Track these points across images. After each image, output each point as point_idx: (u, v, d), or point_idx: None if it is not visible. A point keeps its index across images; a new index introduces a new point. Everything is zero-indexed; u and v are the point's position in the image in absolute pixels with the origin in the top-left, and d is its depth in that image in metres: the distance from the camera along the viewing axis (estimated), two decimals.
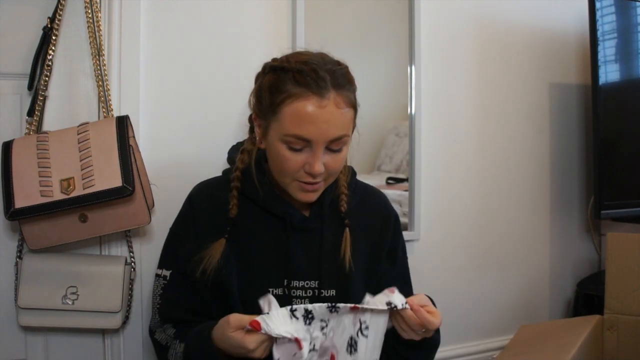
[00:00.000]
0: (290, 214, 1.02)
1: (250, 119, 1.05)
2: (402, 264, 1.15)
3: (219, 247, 0.99)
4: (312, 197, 0.98)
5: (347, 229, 1.04)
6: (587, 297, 1.71)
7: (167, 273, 1.05)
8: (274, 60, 0.97)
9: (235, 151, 1.10)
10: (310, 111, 0.89)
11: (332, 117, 0.90)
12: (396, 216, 1.15)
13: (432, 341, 0.96)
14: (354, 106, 0.96)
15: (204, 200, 1.05)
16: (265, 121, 0.95)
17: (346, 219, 1.04)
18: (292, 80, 0.91)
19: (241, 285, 1.00)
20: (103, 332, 1.23)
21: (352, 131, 0.98)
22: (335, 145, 0.93)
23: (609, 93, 1.67)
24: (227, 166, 1.11)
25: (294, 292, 1.00)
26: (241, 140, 1.13)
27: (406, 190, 1.57)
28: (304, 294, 1.00)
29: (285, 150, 0.93)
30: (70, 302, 1.12)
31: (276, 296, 0.98)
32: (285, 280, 1.00)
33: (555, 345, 1.25)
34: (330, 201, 1.05)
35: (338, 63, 0.96)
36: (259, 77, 1.00)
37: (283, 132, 0.91)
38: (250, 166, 1.02)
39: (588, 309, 1.65)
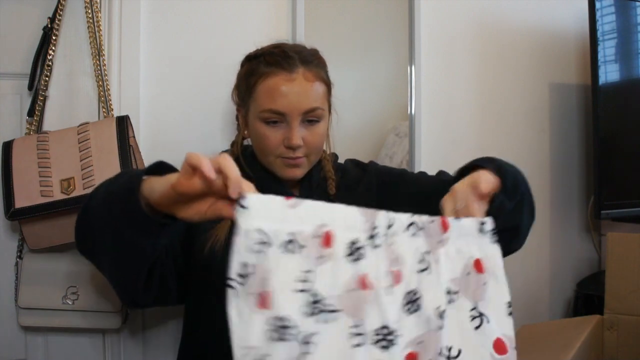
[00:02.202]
0: (283, 193, 1.02)
1: (236, 115, 1.09)
2: (414, 177, 1.12)
3: (224, 227, 0.97)
4: (297, 172, 1.01)
5: None
6: (587, 297, 1.71)
7: None
8: (249, 53, 1.04)
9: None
10: (280, 85, 0.95)
11: (302, 90, 0.96)
12: (375, 167, 1.13)
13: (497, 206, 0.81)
14: (325, 82, 1.01)
15: None
16: (245, 107, 1.01)
17: (336, 202, 1.05)
18: (263, 62, 0.97)
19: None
20: (103, 332, 1.23)
21: (330, 110, 1.03)
22: (310, 117, 0.97)
23: (609, 93, 1.67)
24: None
25: None
26: None
27: None
28: None
29: (263, 127, 0.97)
30: (70, 302, 1.12)
31: None
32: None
33: (555, 345, 1.25)
34: (317, 182, 1.06)
35: (308, 48, 1.02)
36: (238, 72, 1.06)
37: (259, 110, 0.97)
38: (242, 153, 1.05)
39: (588, 309, 1.65)
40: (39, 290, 1.12)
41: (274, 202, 0.62)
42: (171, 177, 0.65)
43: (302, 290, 0.60)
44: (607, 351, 1.35)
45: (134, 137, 1.16)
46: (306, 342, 0.59)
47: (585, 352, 1.25)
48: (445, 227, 0.71)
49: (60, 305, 1.12)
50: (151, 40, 1.27)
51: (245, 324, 0.58)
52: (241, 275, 0.58)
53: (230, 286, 0.58)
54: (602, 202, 1.64)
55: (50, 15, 1.16)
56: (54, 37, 1.16)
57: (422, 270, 0.69)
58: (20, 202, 1.05)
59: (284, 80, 0.95)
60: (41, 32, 1.16)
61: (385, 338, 0.64)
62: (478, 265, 0.72)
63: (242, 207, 0.60)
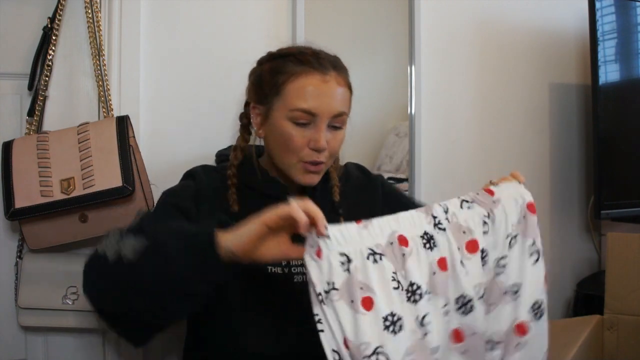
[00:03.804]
0: (288, 196, 1.02)
1: (241, 117, 1.07)
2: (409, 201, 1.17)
3: None
4: (314, 179, 0.99)
5: (342, 218, 1.03)
6: (587, 297, 1.71)
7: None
8: (272, 51, 1.03)
9: (225, 151, 1.12)
10: (314, 85, 0.94)
11: (334, 93, 0.95)
12: (382, 180, 1.16)
13: None
14: (350, 89, 1.01)
15: (207, 187, 1.02)
16: (266, 105, 0.98)
17: (340, 209, 1.05)
18: (293, 61, 0.96)
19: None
20: (103, 332, 1.23)
21: (348, 114, 1.02)
22: (337, 121, 0.97)
23: (609, 93, 1.67)
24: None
25: (294, 269, 0.99)
26: None
27: (406, 190, 1.57)
28: (303, 270, 1.00)
29: (291, 127, 0.95)
30: (70, 302, 1.12)
31: (275, 274, 0.98)
32: (284, 261, 0.99)
33: (555, 345, 1.25)
34: (322, 190, 1.06)
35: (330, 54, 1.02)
36: (256, 70, 1.03)
37: (289, 108, 0.95)
38: (244, 159, 1.04)
39: (588, 309, 1.65)
40: (39, 290, 1.12)
41: (350, 228, 0.76)
42: (252, 226, 0.76)
43: (396, 288, 0.75)
44: (607, 351, 1.35)
45: (134, 137, 1.16)
46: (422, 324, 0.76)
47: (585, 352, 1.25)
48: (490, 192, 0.85)
49: (60, 305, 1.12)
50: (151, 40, 1.27)
51: (350, 324, 0.72)
52: (327, 291, 0.73)
53: (321, 300, 0.73)
54: (602, 202, 1.64)
55: (50, 15, 1.16)
56: (54, 37, 1.16)
57: (485, 233, 0.82)
58: (20, 202, 1.05)
59: (318, 81, 0.94)
60: (41, 32, 1.16)
61: (464, 305, 0.79)
62: (531, 207, 0.85)
63: (326, 237, 0.74)
